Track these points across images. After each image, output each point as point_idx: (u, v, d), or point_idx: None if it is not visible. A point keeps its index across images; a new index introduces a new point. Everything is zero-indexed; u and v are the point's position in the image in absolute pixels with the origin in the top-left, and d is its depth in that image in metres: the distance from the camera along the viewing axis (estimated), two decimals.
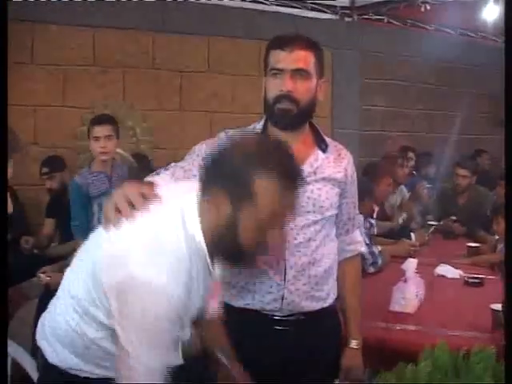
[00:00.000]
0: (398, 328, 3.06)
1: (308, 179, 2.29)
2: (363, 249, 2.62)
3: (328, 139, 2.42)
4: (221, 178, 1.67)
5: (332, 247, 2.41)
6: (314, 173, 2.34)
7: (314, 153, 2.36)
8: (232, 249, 1.69)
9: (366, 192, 4.44)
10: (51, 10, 5.29)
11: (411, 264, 3.45)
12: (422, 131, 7.65)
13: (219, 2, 5.82)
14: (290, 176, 1.70)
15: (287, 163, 1.70)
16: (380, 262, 4.08)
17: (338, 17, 6.49)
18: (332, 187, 2.37)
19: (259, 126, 2.38)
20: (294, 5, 6.15)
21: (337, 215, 2.42)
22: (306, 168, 2.30)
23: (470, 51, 7.22)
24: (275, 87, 2.27)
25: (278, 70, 2.25)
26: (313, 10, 6.30)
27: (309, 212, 2.31)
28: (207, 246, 1.69)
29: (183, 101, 6.03)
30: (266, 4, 6.06)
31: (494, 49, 6.64)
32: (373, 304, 3.21)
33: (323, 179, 2.35)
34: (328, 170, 2.36)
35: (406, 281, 3.37)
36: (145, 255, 1.58)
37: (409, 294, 3.33)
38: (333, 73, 6.40)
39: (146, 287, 1.54)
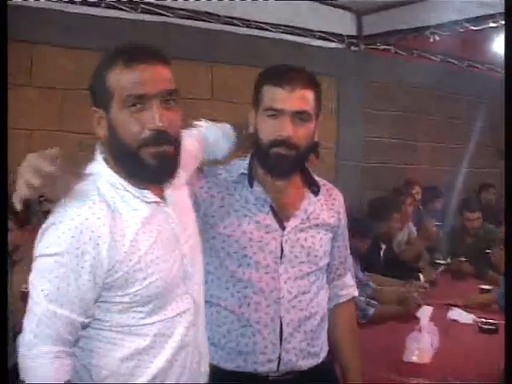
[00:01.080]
0: (413, 382, 2.93)
1: (302, 226, 2.13)
2: (356, 293, 2.44)
3: (317, 179, 2.22)
4: (92, 97, 1.70)
5: (324, 296, 2.24)
6: (308, 219, 2.15)
7: (307, 196, 2.17)
8: (122, 153, 1.65)
9: (369, 231, 4.24)
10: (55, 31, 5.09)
11: (426, 312, 3.33)
12: (426, 163, 7.43)
13: (223, 28, 5.61)
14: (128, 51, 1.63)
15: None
16: (371, 312, 3.79)
17: (344, 46, 6.29)
18: (325, 233, 2.19)
19: (243, 166, 2.15)
20: (300, 33, 5.95)
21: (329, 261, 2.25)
22: (301, 215, 2.13)
23: (477, 83, 7.05)
24: (272, 130, 2.03)
25: (275, 110, 2.02)
26: (319, 38, 6.12)
27: (303, 262, 2.13)
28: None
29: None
30: (271, 31, 5.85)
31: (499, 81, 6.45)
32: (384, 354, 3.12)
33: (316, 226, 2.17)
34: (321, 214, 2.18)
35: (420, 330, 3.23)
36: None
37: (424, 344, 3.22)
38: (338, 103, 6.20)
39: None
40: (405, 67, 6.80)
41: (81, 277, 1.58)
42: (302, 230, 2.13)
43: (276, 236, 2.11)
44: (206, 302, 2.04)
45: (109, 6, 5.27)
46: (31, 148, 4.93)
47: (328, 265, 2.25)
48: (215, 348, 2.08)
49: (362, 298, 3.74)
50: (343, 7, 6.09)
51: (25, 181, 1.52)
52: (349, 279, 2.38)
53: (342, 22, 6.13)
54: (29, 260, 1.63)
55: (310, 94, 2.06)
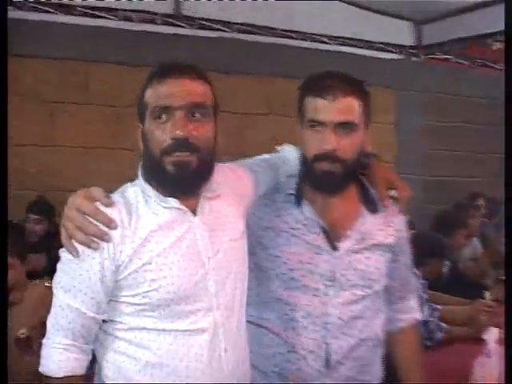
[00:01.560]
0: None
1: (356, 248, 1.99)
2: (420, 316, 2.27)
3: (373, 192, 2.07)
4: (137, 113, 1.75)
5: (379, 321, 2.08)
6: (363, 239, 2.00)
7: (361, 214, 2.03)
8: (150, 163, 1.70)
9: (438, 249, 4.02)
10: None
11: (493, 334, 3.06)
12: (490, 176, 7.15)
13: (281, 41, 5.55)
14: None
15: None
16: (439, 335, 3.56)
17: (404, 56, 6.12)
18: (382, 254, 2.04)
19: (291, 185, 2.03)
20: (359, 44, 5.86)
21: (387, 283, 2.09)
22: (354, 235, 1.99)
23: None
24: (315, 143, 1.91)
25: (317, 122, 1.89)
26: (378, 49, 6.01)
27: (356, 286, 1.99)
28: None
29: (243, 145, 5.69)
30: (328, 44, 5.76)
31: None
32: (450, 378, 2.93)
33: (372, 246, 2.02)
34: (378, 234, 2.03)
35: (488, 354, 2.98)
36: None
37: (492, 369, 2.94)
38: (397, 115, 6.03)
39: None
40: (466, 77, 6.59)
41: (92, 267, 1.62)
42: (355, 252, 2.00)
43: (327, 258, 1.98)
44: (252, 323, 1.96)
45: (166, 23, 5.28)
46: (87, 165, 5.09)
47: (387, 287, 2.11)
48: (258, 372, 1.98)
49: (433, 319, 3.53)
50: (402, 17, 5.96)
51: (76, 225, 1.62)
52: (412, 302, 2.24)
53: (401, 32, 6.00)
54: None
55: (354, 102, 1.92)
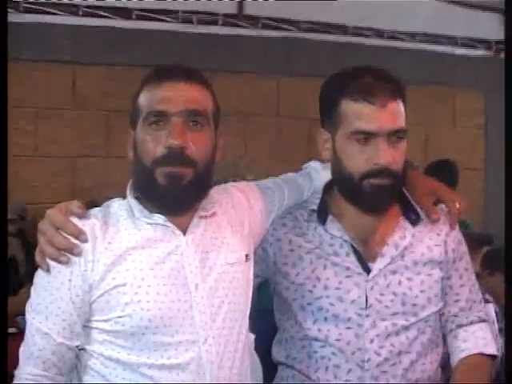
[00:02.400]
0: None
1: (393, 267, 1.76)
2: (492, 349, 1.92)
3: (415, 205, 1.84)
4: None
5: (434, 356, 1.83)
6: (402, 256, 1.76)
7: (401, 227, 1.79)
8: (139, 173, 1.60)
9: None
10: None
11: None
12: None
13: (351, 40, 5.37)
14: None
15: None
16: None
17: (492, 53, 5.77)
18: (429, 272, 1.79)
19: (314, 201, 1.82)
20: (441, 41, 5.60)
21: (442, 308, 1.84)
22: (390, 251, 1.76)
23: None
24: (364, 158, 1.68)
25: (367, 133, 1.67)
26: (463, 46, 5.72)
27: (396, 314, 1.74)
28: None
29: (313, 152, 5.49)
30: (405, 41, 5.51)
31: None
32: None
33: (415, 264, 1.77)
34: (421, 247, 1.79)
35: None
36: None
37: None
38: (486, 118, 5.70)
39: None
40: None
41: (63, 285, 1.53)
42: (393, 272, 1.76)
43: (359, 281, 1.75)
44: (281, 363, 1.81)
45: (227, 24, 5.20)
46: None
47: (441, 314, 1.86)
48: None
49: None
50: (489, 8, 5.63)
51: (46, 239, 1.54)
52: (478, 329, 1.93)
53: (489, 26, 5.66)
54: None
55: (401, 105, 1.72)
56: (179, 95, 1.57)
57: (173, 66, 1.65)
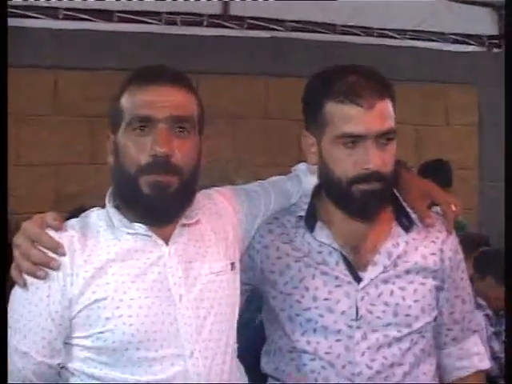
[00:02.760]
0: None
1: (385, 276, 1.72)
2: (486, 364, 1.93)
3: (409, 209, 1.81)
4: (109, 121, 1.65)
5: (429, 368, 1.80)
6: (394, 265, 1.73)
7: (394, 234, 1.76)
8: (121, 181, 1.58)
9: None
10: None
11: None
12: None
13: (341, 38, 5.34)
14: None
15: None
16: None
17: (485, 48, 5.76)
18: (423, 281, 1.76)
19: (301, 207, 1.79)
20: (431, 37, 5.60)
21: (436, 318, 1.81)
22: (382, 260, 1.73)
23: None
24: (352, 162, 1.66)
25: (354, 136, 1.63)
26: (454, 42, 5.70)
27: (388, 325, 1.71)
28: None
29: (303, 155, 5.46)
30: (397, 38, 5.50)
31: None
32: None
33: (407, 272, 1.74)
34: (414, 255, 1.75)
35: None
36: None
37: None
38: (479, 115, 5.68)
39: None
40: None
41: (41, 301, 1.50)
42: (385, 281, 1.73)
43: (349, 291, 1.72)
44: (273, 377, 1.79)
45: (212, 24, 5.17)
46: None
47: (436, 321, 1.82)
48: None
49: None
50: (481, 3, 5.63)
51: (21, 253, 1.51)
52: (472, 344, 1.92)
53: (481, 21, 5.64)
54: None
55: (390, 105, 1.69)
56: (165, 100, 1.53)
57: (157, 67, 1.62)
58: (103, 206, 1.64)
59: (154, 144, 1.50)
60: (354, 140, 1.65)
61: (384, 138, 1.66)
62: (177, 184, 1.52)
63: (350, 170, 1.67)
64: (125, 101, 1.56)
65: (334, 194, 1.75)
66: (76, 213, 1.66)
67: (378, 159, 1.64)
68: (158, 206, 1.54)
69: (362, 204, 1.70)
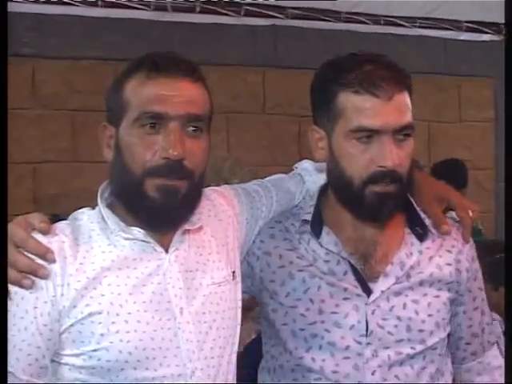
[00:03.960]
0: None
1: (397, 288, 1.70)
2: (507, 378, 1.93)
3: (423, 215, 1.78)
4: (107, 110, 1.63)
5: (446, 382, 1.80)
6: (407, 276, 1.71)
7: (407, 242, 1.74)
8: (123, 182, 1.54)
9: None
10: None
11: None
12: None
13: (346, 27, 5.31)
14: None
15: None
16: None
17: (502, 37, 5.73)
18: (437, 294, 1.74)
19: (306, 210, 1.77)
20: (443, 25, 5.52)
21: (452, 333, 1.80)
22: (395, 271, 1.71)
23: None
24: (367, 160, 1.63)
25: (370, 131, 1.60)
26: (468, 30, 5.64)
27: (401, 341, 1.69)
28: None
29: (304, 152, 5.44)
30: (406, 27, 5.46)
31: None
32: None
33: (421, 284, 1.72)
34: (429, 266, 1.74)
35: None
36: None
37: None
38: (496, 110, 5.66)
39: None
40: None
41: (28, 314, 1.45)
42: (397, 294, 1.71)
43: (358, 304, 1.70)
44: None
45: (206, 11, 5.12)
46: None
47: (453, 337, 1.80)
48: None
49: None
50: None
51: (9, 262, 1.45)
52: (492, 357, 1.92)
53: (498, 7, 5.59)
54: None
55: (407, 98, 1.68)
56: (180, 95, 1.51)
57: (168, 54, 1.56)
58: (93, 207, 1.61)
59: (167, 146, 1.47)
60: (369, 135, 1.62)
61: (402, 133, 1.64)
62: (186, 188, 1.50)
63: (363, 169, 1.64)
64: (130, 91, 1.52)
65: (344, 195, 1.72)
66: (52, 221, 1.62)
67: (396, 157, 1.61)
68: (164, 211, 1.50)
69: (376, 208, 1.67)
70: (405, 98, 1.65)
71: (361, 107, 1.62)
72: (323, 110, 1.70)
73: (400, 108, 1.63)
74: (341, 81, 1.66)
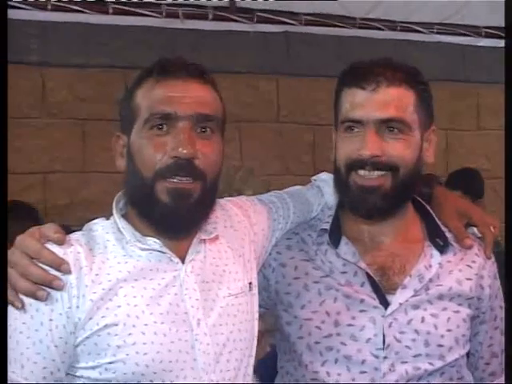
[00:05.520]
0: None
1: (416, 301, 1.71)
2: None
3: (443, 228, 1.79)
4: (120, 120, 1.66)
5: None
6: (426, 289, 1.71)
7: (426, 254, 1.75)
8: (135, 188, 1.55)
9: None
10: None
11: None
12: None
13: (361, 33, 5.31)
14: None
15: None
16: None
17: None
18: (457, 309, 1.74)
19: (324, 220, 1.77)
20: (461, 31, 5.50)
21: (472, 352, 1.80)
22: (413, 283, 1.71)
23: None
24: (350, 148, 1.66)
25: (353, 121, 1.63)
26: (487, 36, 5.62)
27: (419, 356, 1.69)
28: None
29: (318, 162, 5.43)
30: (423, 33, 5.45)
31: None
32: None
33: (440, 298, 1.72)
34: (448, 280, 1.74)
35: None
36: None
37: None
38: (508, 116, 5.62)
39: None
40: None
41: (43, 327, 1.45)
42: (416, 307, 1.71)
43: (375, 317, 1.69)
44: None
45: (218, 18, 5.13)
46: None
47: (473, 356, 1.79)
48: None
49: None
50: None
51: (18, 271, 1.45)
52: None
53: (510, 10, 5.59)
54: None
55: (405, 94, 1.71)
56: (189, 96, 1.52)
57: (177, 59, 1.59)
58: (107, 217, 1.62)
59: (176, 144, 1.49)
60: (353, 126, 1.68)
61: (387, 126, 1.66)
62: (199, 191, 1.51)
63: (347, 157, 1.70)
64: (141, 97, 1.55)
65: (336, 187, 1.77)
66: None
67: (376, 146, 1.65)
68: (177, 216, 1.51)
69: (360, 198, 1.69)
70: (399, 94, 1.69)
71: (348, 99, 1.70)
72: (334, 110, 1.75)
73: (386, 101, 1.67)
74: (344, 80, 1.74)
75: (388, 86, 1.66)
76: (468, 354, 1.81)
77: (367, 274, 1.72)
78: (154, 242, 1.54)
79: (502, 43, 5.64)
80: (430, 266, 1.74)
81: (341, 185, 1.73)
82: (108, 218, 1.62)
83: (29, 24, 4.70)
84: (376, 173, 1.66)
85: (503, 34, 5.60)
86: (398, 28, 5.40)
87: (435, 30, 5.47)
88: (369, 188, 1.68)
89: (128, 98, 1.59)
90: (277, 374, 1.87)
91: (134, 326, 1.47)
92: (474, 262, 1.80)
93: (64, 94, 4.95)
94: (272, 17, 5.17)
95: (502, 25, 5.48)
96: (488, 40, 5.64)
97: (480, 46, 5.65)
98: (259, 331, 1.68)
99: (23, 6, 4.60)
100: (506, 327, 1.75)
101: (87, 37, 4.88)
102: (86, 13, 4.82)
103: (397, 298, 1.70)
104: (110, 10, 4.88)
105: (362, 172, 1.67)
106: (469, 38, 5.60)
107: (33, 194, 4.84)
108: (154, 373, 1.47)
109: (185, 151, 1.48)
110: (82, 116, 4.93)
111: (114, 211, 1.60)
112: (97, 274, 1.49)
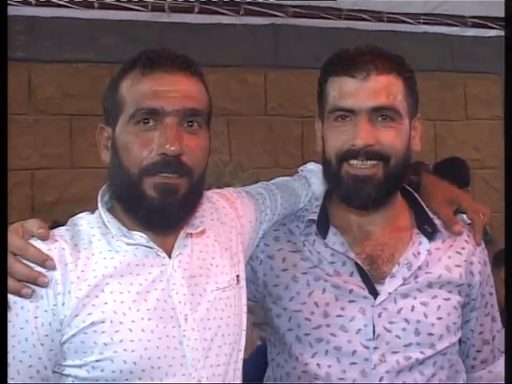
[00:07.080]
0: None
1: (405, 289, 1.70)
2: None
3: (432, 215, 1.79)
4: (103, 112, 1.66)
5: None
6: (415, 277, 1.71)
7: (415, 241, 1.75)
8: (121, 184, 1.54)
9: None
10: None
11: None
12: None
13: (348, 24, 5.31)
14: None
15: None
16: None
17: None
18: (447, 296, 1.73)
19: (312, 210, 1.76)
20: (448, 21, 5.50)
21: (463, 340, 1.81)
22: (402, 271, 1.71)
23: None
24: (341, 138, 1.65)
25: (343, 110, 1.63)
26: (474, 26, 5.61)
27: (409, 345, 1.68)
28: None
29: (307, 154, 5.43)
30: (410, 24, 5.45)
31: None
32: None
33: (429, 285, 1.72)
34: (437, 266, 1.73)
35: None
36: None
37: None
38: (505, 107, 5.62)
39: None
40: None
41: (28, 324, 1.43)
42: (405, 295, 1.71)
43: (365, 307, 1.70)
44: None
45: (205, 11, 5.11)
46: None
47: (464, 344, 1.79)
48: None
49: None
50: None
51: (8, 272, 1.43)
52: (502, 367, 1.89)
53: (504, 2, 5.59)
54: None
55: (395, 82, 1.71)
56: (176, 90, 1.50)
57: (162, 51, 1.56)
58: (92, 211, 1.61)
59: (164, 141, 1.47)
60: (344, 115, 1.67)
61: (379, 114, 1.66)
62: (186, 187, 1.51)
63: (338, 148, 1.68)
64: (125, 89, 1.53)
65: (327, 178, 1.76)
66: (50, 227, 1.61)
67: (369, 135, 1.64)
68: (164, 211, 1.50)
69: (351, 191, 1.69)
70: (388, 81, 1.69)
71: (338, 88, 1.69)
72: (319, 99, 1.75)
73: (377, 89, 1.67)
74: (330, 68, 1.74)
75: (378, 75, 1.66)
76: (459, 342, 1.81)
77: (356, 263, 1.72)
78: (140, 236, 1.53)
79: (489, 33, 5.66)
80: (419, 253, 1.74)
81: (332, 176, 1.72)
82: (93, 212, 1.61)
83: (15, 19, 4.68)
84: (369, 162, 1.66)
85: (490, 24, 5.64)
86: (385, 19, 5.39)
87: (422, 21, 5.47)
88: (362, 178, 1.67)
89: (112, 90, 1.58)
90: (267, 367, 1.87)
91: (121, 322, 1.46)
92: (463, 248, 1.80)
93: (51, 90, 4.93)
94: (259, 9, 5.15)
95: (488, 14, 5.53)
96: (474, 30, 5.64)
97: (467, 36, 5.65)
98: (250, 324, 1.68)
99: (9, 2, 4.57)
100: (507, 327, 1.71)
101: (74, 32, 4.85)
102: (71, 8, 4.82)
103: (386, 288, 1.70)
104: (96, 5, 4.86)
105: (354, 162, 1.67)
106: (455, 28, 5.60)
107: (21, 191, 4.82)
108: (143, 370, 1.45)
109: (172, 148, 1.47)
110: (69, 112, 4.92)
111: (100, 205, 1.59)
112: (82, 271, 1.47)
